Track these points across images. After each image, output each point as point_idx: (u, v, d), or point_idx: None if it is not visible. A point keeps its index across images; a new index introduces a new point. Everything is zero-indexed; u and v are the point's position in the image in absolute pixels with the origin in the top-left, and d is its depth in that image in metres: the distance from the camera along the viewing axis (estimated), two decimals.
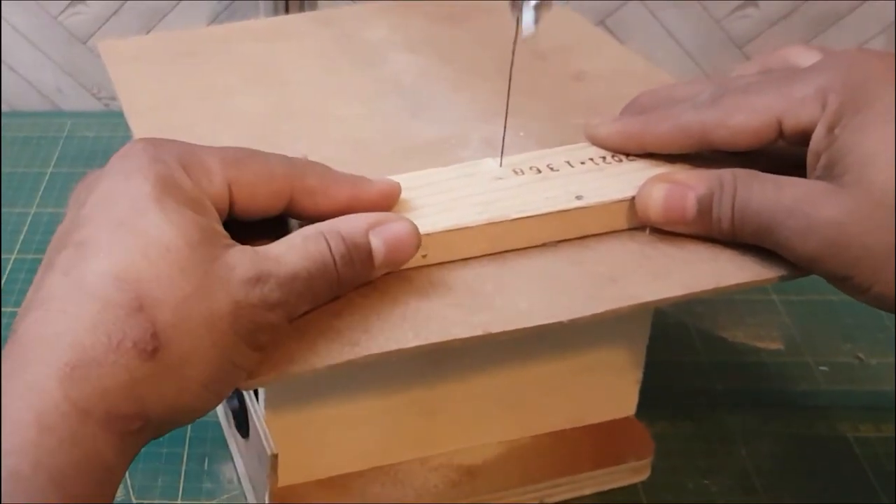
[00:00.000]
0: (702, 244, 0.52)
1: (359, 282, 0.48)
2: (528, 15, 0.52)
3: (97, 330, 0.40)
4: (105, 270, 0.41)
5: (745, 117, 0.51)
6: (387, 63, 0.69)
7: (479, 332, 0.47)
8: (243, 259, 0.43)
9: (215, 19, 1.12)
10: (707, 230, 0.52)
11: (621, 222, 0.53)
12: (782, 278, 0.51)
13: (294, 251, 0.45)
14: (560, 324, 0.48)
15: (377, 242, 0.47)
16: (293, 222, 0.50)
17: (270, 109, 0.63)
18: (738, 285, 0.50)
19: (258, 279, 0.43)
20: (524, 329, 0.47)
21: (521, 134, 0.60)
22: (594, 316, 0.48)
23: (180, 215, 0.43)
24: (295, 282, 0.45)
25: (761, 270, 0.50)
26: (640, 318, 0.61)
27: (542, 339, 0.57)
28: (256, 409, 0.57)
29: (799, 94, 0.51)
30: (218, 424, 0.69)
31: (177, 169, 0.45)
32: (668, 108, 0.55)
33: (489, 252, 0.51)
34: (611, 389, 0.64)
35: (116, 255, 0.42)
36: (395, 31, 0.73)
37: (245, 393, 0.58)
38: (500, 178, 0.54)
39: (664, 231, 0.52)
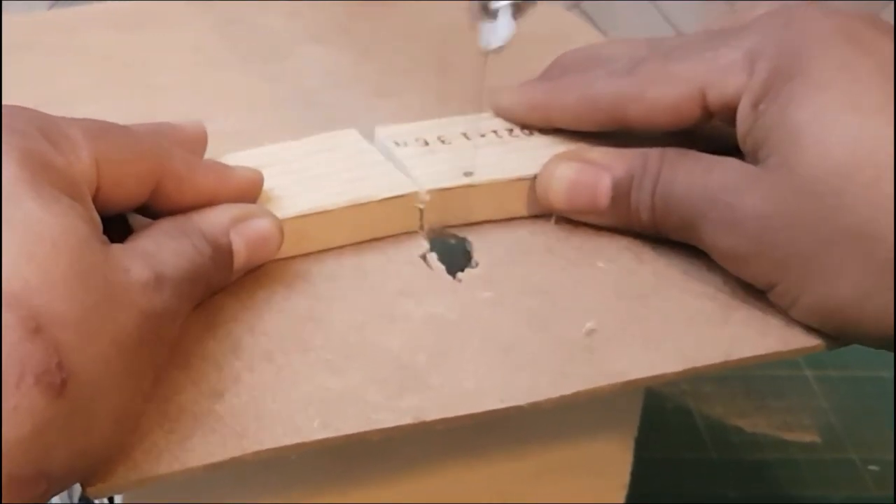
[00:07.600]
0: (708, 299, 0.52)
1: (218, 287, 0.50)
2: (502, 19, 0.52)
3: None
4: None
5: (663, 90, 0.53)
6: (287, 59, 0.69)
7: (408, 419, 0.47)
8: (132, 258, 0.44)
9: (58, 1, 1.12)
10: (624, 221, 0.53)
11: (519, 208, 0.55)
12: (818, 348, 0.51)
13: (166, 250, 0.46)
14: (518, 409, 0.48)
15: (239, 243, 0.50)
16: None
17: (132, 120, 0.62)
18: (757, 357, 0.51)
19: (157, 282, 0.44)
20: (470, 416, 0.48)
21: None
22: (563, 398, 0.48)
23: (60, 203, 0.43)
24: (183, 285, 0.46)
25: (789, 337, 0.51)
26: (628, 401, 0.61)
27: (496, 430, 0.57)
28: None
29: (724, 60, 0.52)
30: None
31: (41, 141, 0.45)
32: (581, 73, 0.56)
33: (354, 241, 0.53)
34: (590, 496, 0.64)
35: None
36: (299, 16, 0.73)
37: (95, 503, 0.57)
38: (372, 152, 0.56)
39: (575, 222, 0.54)
